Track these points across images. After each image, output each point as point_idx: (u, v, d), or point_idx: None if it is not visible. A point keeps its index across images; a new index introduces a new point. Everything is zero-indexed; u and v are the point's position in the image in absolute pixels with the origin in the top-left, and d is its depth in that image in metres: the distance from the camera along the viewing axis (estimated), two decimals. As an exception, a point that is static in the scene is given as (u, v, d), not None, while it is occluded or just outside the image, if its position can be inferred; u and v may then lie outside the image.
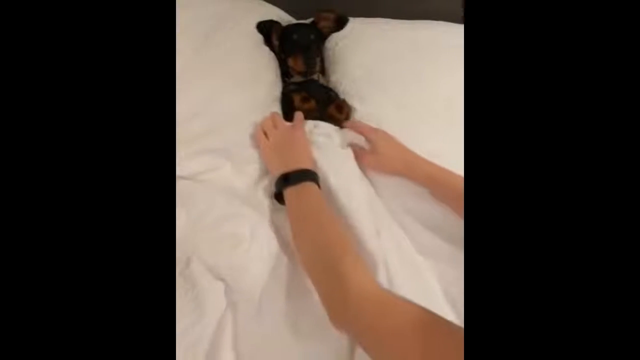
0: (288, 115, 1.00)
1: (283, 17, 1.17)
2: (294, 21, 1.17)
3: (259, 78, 1.04)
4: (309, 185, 0.78)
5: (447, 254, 0.81)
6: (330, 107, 1.04)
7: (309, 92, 1.05)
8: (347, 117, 1.04)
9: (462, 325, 0.47)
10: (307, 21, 1.14)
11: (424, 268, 0.82)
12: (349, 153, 0.91)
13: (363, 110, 1.04)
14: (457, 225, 0.80)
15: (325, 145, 0.90)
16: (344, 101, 1.06)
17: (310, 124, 0.95)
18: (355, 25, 1.14)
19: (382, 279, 0.72)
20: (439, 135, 0.99)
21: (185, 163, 0.82)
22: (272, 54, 1.10)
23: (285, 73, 1.12)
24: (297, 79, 1.10)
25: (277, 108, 1.02)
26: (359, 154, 0.91)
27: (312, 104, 1.04)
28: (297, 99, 1.04)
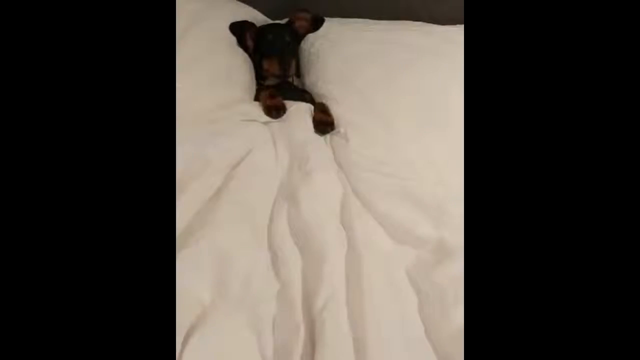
0: None
1: (258, 18, 1.14)
2: (269, 22, 1.15)
3: (232, 79, 1.02)
4: None
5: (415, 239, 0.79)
6: (317, 113, 1.02)
7: (284, 95, 1.03)
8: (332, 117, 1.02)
9: None
10: (283, 21, 1.12)
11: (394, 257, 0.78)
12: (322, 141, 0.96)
13: (338, 112, 1.02)
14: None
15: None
16: (321, 103, 1.05)
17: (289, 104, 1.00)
18: (331, 26, 1.12)
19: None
20: (414, 137, 0.98)
21: None
22: (246, 55, 1.08)
23: (259, 75, 1.10)
24: (271, 81, 1.09)
25: (251, 108, 1.00)
26: None
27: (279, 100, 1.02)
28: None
